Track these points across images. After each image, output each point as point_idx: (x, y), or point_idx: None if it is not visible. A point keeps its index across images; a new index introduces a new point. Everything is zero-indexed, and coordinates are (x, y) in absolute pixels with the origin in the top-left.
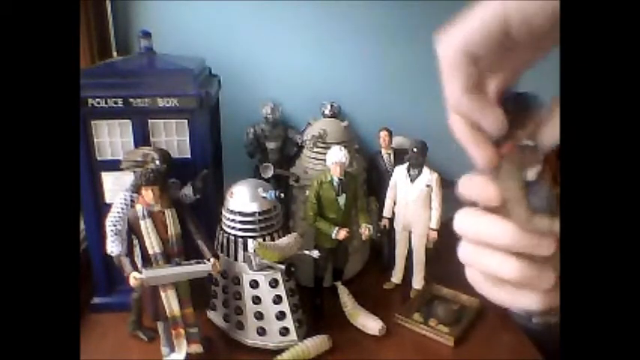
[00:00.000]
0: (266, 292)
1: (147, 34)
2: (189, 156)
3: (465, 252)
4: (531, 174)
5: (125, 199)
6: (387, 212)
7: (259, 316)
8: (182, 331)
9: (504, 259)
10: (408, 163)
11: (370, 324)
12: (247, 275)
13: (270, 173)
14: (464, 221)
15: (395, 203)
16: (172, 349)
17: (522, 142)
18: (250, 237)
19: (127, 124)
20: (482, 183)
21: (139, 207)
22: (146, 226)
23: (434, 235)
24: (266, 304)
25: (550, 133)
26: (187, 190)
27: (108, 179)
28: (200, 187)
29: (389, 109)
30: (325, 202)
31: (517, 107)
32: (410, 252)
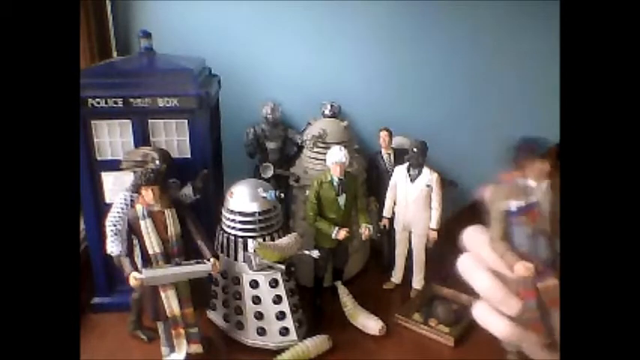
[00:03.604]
0: (266, 292)
1: (147, 34)
2: (189, 156)
3: (461, 263)
4: (515, 204)
5: (125, 199)
6: (387, 212)
7: (259, 316)
8: (182, 331)
9: (481, 272)
10: (408, 163)
11: (370, 324)
12: (247, 275)
13: (270, 173)
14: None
15: (395, 203)
16: (172, 349)
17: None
18: (250, 237)
19: (127, 124)
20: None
21: (139, 207)
22: (146, 226)
23: (434, 235)
24: (266, 304)
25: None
26: (187, 190)
27: (108, 179)
28: (200, 187)
29: (389, 109)
30: (325, 202)
31: (525, 152)
32: (410, 252)
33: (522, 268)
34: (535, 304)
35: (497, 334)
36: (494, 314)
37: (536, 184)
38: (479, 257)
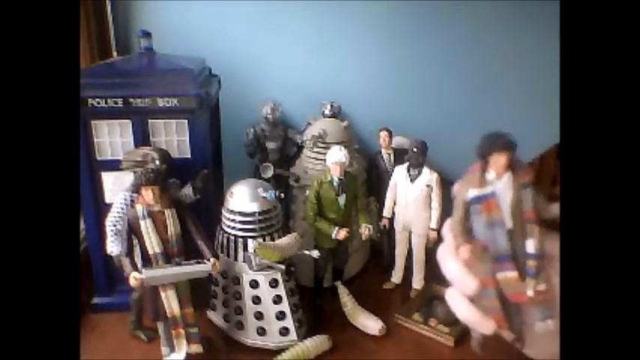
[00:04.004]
0: (266, 292)
1: (147, 34)
2: (189, 156)
3: (438, 252)
4: (475, 192)
5: (125, 199)
6: (387, 212)
7: (259, 316)
8: (182, 331)
9: (450, 259)
10: (408, 163)
11: (370, 324)
12: (247, 275)
13: (270, 173)
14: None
15: (395, 203)
16: (172, 349)
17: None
18: (250, 237)
19: (127, 124)
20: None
21: (139, 207)
22: (146, 226)
23: (434, 235)
24: (266, 304)
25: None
26: (187, 190)
27: (108, 179)
28: (200, 187)
29: (389, 109)
30: (325, 202)
31: (488, 146)
32: (410, 252)
33: (463, 251)
34: (494, 293)
35: (459, 318)
36: (459, 298)
37: (496, 177)
38: (450, 246)
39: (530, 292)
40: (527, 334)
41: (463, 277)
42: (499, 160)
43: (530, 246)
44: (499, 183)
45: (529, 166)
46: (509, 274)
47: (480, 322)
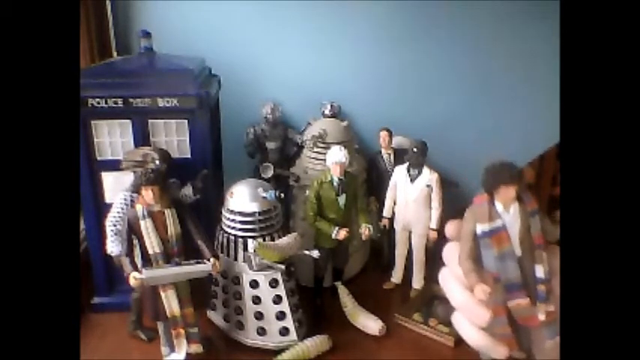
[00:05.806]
0: (266, 292)
1: (147, 34)
2: (189, 156)
3: (441, 276)
4: (484, 227)
5: (125, 199)
6: (387, 212)
7: (259, 316)
8: (182, 331)
9: (456, 286)
10: (408, 163)
11: (370, 324)
12: (247, 275)
13: (270, 173)
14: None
15: (395, 203)
16: (172, 349)
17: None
18: (250, 237)
19: (127, 124)
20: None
21: (139, 207)
22: (146, 226)
23: (434, 235)
24: (266, 304)
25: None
26: (187, 190)
27: (108, 179)
28: (200, 187)
29: (389, 109)
30: (325, 202)
31: (494, 177)
32: (410, 252)
33: (479, 291)
34: (506, 321)
35: (469, 343)
36: (468, 325)
37: (504, 208)
38: (455, 272)
39: (542, 317)
40: (536, 352)
41: (474, 308)
42: (507, 192)
43: (540, 271)
44: (507, 214)
45: (530, 168)
46: (521, 302)
47: (492, 348)
